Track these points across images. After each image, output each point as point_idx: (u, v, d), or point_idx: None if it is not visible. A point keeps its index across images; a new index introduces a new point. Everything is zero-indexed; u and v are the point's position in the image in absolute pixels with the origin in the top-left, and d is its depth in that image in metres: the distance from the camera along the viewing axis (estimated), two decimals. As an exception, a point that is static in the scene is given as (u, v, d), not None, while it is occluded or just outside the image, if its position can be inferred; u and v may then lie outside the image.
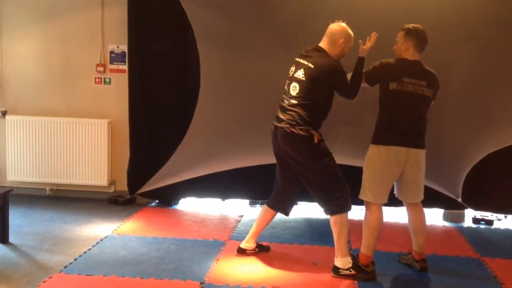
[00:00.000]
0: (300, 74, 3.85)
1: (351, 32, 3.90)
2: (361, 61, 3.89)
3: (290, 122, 3.82)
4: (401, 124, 3.78)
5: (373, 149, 3.84)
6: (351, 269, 3.80)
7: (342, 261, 3.83)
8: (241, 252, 4.24)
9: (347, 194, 3.84)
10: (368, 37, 3.91)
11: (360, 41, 3.91)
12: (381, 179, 3.81)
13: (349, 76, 3.91)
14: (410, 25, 3.87)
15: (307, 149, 3.81)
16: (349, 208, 3.86)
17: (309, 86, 3.80)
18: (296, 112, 3.82)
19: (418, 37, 3.82)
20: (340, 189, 3.82)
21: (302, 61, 3.89)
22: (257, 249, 4.27)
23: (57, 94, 5.81)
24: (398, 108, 3.79)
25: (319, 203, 3.94)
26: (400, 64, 3.83)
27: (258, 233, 4.27)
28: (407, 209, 4.03)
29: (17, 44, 5.80)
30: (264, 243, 4.37)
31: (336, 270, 3.84)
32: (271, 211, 4.21)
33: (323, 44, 3.89)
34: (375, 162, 3.80)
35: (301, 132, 3.78)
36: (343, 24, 3.91)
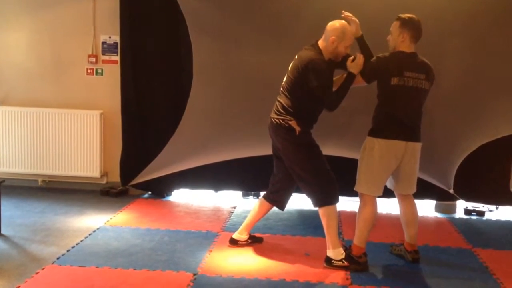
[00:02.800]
0: (290, 65, 3.87)
1: (349, 31, 3.75)
2: (350, 76, 3.75)
3: (275, 111, 3.88)
4: (401, 119, 3.75)
5: (371, 142, 3.79)
6: (343, 260, 3.82)
7: (334, 252, 3.84)
8: (233, 243, 4.24)
9: (332, 187, 3.83)
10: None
11: (351, 57, 3.77)
12: (378, 172, 3.80)
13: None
14: (406, 15, 3.77)
15: (288, 140, 3.82)
16: (335, 201, 3.85)
17: (291, 77, 3.80)
18: (280, 102, 3.87)
19: (414, 28, 3.74)
20: (325, 182, 3.81)
21: None
22: (249, 241, 4.27)
23: (49, 85, 5.77)
24: (399, 103, 3.74)
25: (306, 195, 3.95)
26: (399, 57, 3.75)
27: (251, 225, 4.28)
28: (399, 201, 4.04)
29: (8, 34, 5.75)
30: (257, 235, 4.38)
31: (328, 261, 3.85)
32: (266, 204, 4.20)
33: (320, 39, 3.83)
34: (373, 155, 3.76)
35: (282, 122, 3.80)
36: (342, 22, 3.77)
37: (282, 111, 3.81)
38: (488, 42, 4.88)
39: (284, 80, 3.89)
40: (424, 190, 5.19)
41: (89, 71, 5.72)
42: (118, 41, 5.55)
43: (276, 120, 3.84)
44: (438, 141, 5.04)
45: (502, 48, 4.90)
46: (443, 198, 5.36)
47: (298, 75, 3.74)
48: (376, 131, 3.79)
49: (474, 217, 5.29)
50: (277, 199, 4.16)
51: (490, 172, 5.23)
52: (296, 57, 3.84)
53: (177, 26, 5.27)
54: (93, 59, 5.67)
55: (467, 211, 5.37)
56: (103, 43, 5.66)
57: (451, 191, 5.25)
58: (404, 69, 3.70)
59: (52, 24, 5.68)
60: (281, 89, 3.90)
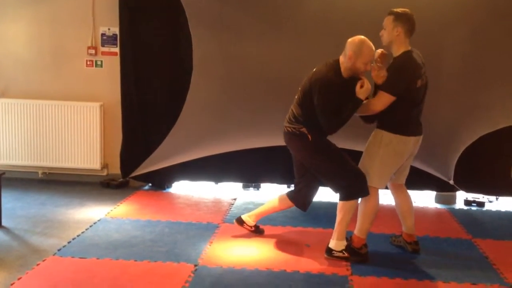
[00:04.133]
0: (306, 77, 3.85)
1: (367, 47, 3.59)
2: (357, 101, 3.62)
3: (287, 120, 3.90)
4: (418, 116, 3.78)
5: (388, 137, 3.71)
6: (344, 251, 3.83)
7: (337, 243, 3.85)
8: (240, 222, 4.30)
9: (355, 182, 3.74)
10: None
11: (359, 83, 3.63)
12: (392, 167, 3.80)
13: None
14: (399, 9, 3.68)
15: (303, 146, 3.83)
16: (358, 195, 3.78)
17: (303, 89, 3.79)
18: (292, 110, 3.89)
19: (408, 22, 3.64)
20: (347, 178, 3.76)
21: None
22: (253, 228, 4.30)
23: (49, 77, 5.76)
24: (418, 102, 3.73)
25: (335, 192, 3.93)
26: (412, 58, 3.66)
27: (262, 215, 4.31)
28: (393, 192, 4.05)
29: (8, 26, 5.73)
30: (259, 226, 4.39)
31: (329, 251, 3.86)
32: (287, 201, 4.17)
33: (342, 54, 3.72)
34: (390, 150, 3.72)
35: (294, 130, 3.82)
36: (362, 37, 3.63)
37: (293, 119, 3.84)
38: (488, 33, 4.86)
39: (300, 89, 3.84)
40: (424, 181, 5.22)
41: (88, 63, 5.71)
42: (117, 32, 5.53)
43: (288, 129, 3.87)
44: (438, 132, 5.03)
45: (502, 39, 4.88)
46: (443, 189, 5.36)
47: (308, 89, 3.73)
48: (394, 127, 3.71)
49: (474, 208, 5.30)
50: (299, 198, 4.11)
51: (490, 163, 5.23)
52: (314, 69, 3.78)
53: (176, 17, 5.25)
54: (93, 51, 5.65)
55: (467, 202, 5.37)
56: (103, 34, 5.65)
57: (451, 182, 5.25)
58: (421, 68, 3.68)
59: (51, 16, 5.66)
60: (296, 97, 3.88)
